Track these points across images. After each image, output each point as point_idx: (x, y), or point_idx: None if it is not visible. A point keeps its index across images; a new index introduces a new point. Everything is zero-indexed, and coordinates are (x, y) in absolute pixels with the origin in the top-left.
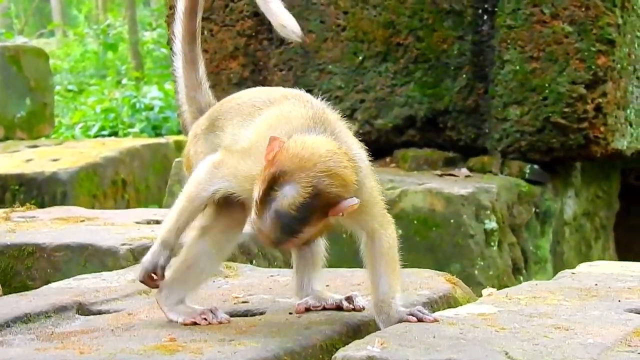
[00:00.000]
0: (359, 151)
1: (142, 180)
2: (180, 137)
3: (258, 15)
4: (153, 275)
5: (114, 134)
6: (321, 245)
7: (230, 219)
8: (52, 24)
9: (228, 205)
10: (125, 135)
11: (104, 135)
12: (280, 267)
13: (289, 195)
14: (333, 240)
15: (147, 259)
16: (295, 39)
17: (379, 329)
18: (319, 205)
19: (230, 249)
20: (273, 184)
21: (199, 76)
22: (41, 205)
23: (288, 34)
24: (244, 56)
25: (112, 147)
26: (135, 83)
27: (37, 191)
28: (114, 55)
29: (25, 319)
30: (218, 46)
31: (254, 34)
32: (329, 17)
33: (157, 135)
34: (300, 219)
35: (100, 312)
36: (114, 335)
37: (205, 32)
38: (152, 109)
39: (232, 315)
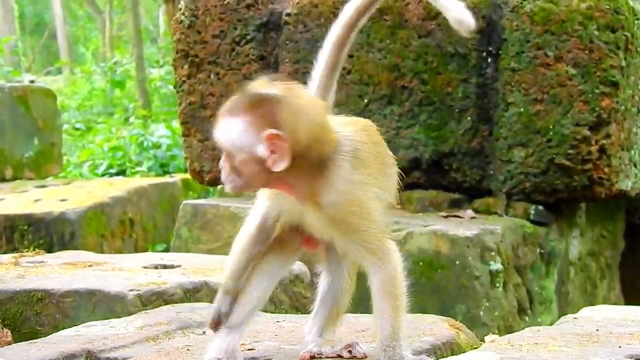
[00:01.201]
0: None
1: (149, 219)
2: (188, 176)
3: (264, 59)
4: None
5: (122, 172)
6: (347, 298)
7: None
8: (59, 61)
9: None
10: (133, 173)
11: (111, 174)
12: (286, 311)
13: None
14: None
15: (212, 306)
16: (467, 34)
17: None
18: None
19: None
20: None
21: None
22: (50, 245)
23: (462, 29)
24: None
25: (119, 186)
26: (142, 121)
27: (46, 231)
28: (121, 92)
29: None
30: (224, 89)
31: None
32: None
33: (165, 173)
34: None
35: None
36: None
37: (212, 76)
38: (159, 147)
39: None
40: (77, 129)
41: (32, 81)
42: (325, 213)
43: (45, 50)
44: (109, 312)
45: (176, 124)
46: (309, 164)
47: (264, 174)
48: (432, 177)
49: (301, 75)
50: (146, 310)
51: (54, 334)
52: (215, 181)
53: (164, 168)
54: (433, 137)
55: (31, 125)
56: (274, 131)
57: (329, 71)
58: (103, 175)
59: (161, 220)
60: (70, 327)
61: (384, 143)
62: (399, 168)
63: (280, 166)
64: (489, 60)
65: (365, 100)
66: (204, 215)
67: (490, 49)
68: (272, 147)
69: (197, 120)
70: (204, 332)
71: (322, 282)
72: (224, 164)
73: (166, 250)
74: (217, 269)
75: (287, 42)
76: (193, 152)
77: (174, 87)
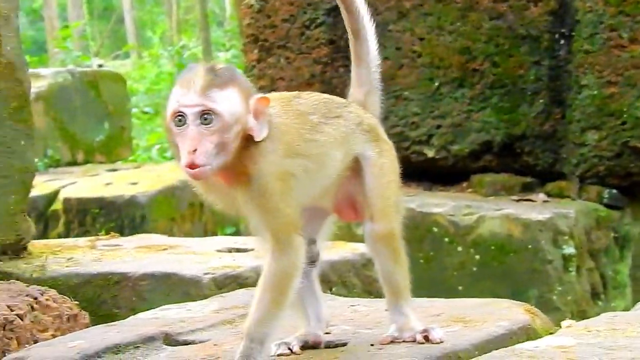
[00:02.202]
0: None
1: None
2: None
3: (334, 43)
4: None
5: None
6: (398, 276)
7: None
8: (127, 45)
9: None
10: None
11: None
12: (358, 295)
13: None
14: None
15: None
16: None
17: None
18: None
19: None
20: None
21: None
22: (120, 228)
23: None
24: (320, 83)
25: None
26: None
27: (117, 214)
28: None
29: (115, 349)
30: (294, 74)
31: (330, 61)
32: (405, 44)
33: None
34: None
35: (186, 343)
36: None
37: (282, 60)
38: None
39: (311, 346)
40: (145, 113)
41: (100, 65)
42: (252, 187)
43: (113, 35)
44: (184, 295)
45: None
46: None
47: (237, 150)
48: (503, 160)
49: None
50: (221, 293)
51: (132, 316)
52: None
53: None
54: (505, 120)
55: (101, 110)
56: (260, 95)
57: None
58: (172, 158)
59: None
60: (146, 310)
61: (307, 108)
62: (471, 151)
63: (264, 133)
64: (562, 42)
65: (436, 84)
66: None
67: (563, 30)
68: (257, 113)
69: None
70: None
71: (375, 264)
72: (205, 141)
73: (235, 233)
74: None
75: None
76: None
77: (244, 72)
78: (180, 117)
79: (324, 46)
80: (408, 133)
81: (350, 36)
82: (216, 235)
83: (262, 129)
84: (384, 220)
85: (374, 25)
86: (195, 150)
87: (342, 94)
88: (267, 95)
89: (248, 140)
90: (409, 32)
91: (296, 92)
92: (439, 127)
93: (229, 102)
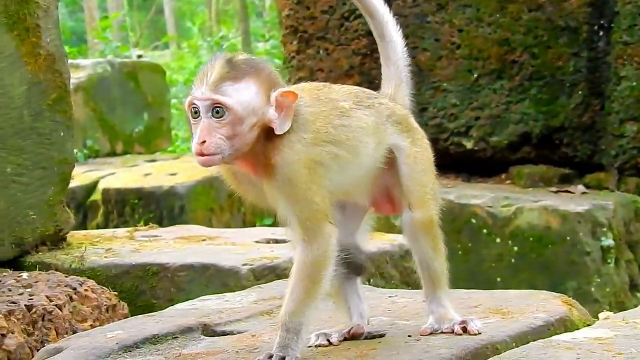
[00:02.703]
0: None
1: None
2: None
3: (373, 34)
4: None
5: None
6: (436, 264)
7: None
8: (166, 36)
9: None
10: None
11: None
12: (397, 286)
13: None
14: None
15: None
16: None
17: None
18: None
19: None
20: None
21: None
22: (159, 218)
23: None
24: (359, 75)
25: None
26: None
27: (156, 205)
28: None
29: (153, 339)
30: (333, 65)
31: (368, 52)
32: (444, 36)
33: None
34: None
35: (224, 333)
36: (238, 357)
37: (321, 51)
38: None
39: (352, 336)
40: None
41: (139, 56)
42: (278, 176)
43: (152, 26)
44: (223, 286)
45: None
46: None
47: (255, 141)
48: (542, 152)
49: (410, 49)
50: (259, 284)
51: (170, 307)
52: None
53: None
54: (543, 111)
55: (141, 101)
56: (284, 89)
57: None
58: None
59: None
60: (185, 300)
61: (338, 96)
62: (509, 142)
63: (286, 126)
64: (601, 33)
65: (475, 75)
66: None
67: (602, 22)
68: (280, 107)
69: None
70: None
71: (413, 254)
72: (215, 133)
73: (274, 224)
74: None
75: (396, 16)
76: None
77: (283, 63)
78: (194, 109)
79: (363, 37)
80: (447, 124)
81: (376, 38)
82: (255, 226)
83: (284, 122)
84: (422, 207)
85: (412, 15)
86: (204, 142)
87: (380, 85)
88: (297, 85)
89: (272, 131)
90: (448, 23)
91: (326, 83)
92: (477, 118)
93: (243, 94)
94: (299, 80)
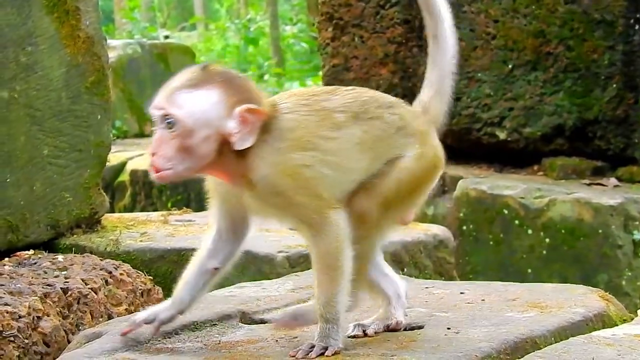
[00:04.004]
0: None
1: None
2: None
3: (408, 23)
4: None
5: None
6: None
7: None
8: (194, 17)
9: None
10: None
11: None
12: (430, 276)
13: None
14: (475, 249)
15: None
16: None
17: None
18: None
19: None
20: None
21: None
22: (187, 201)
23: None
24: (394, 63)
25: None
26: (277, 79)
27: (183, 188)
28: (255, 49)
29: (192, 326)
30: (368, 53)
31: (404, 41)
32: (479, 26)
33: None
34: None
35: (262, 322)
36: (278, 346)
37: (356, 39)
38: None
39: (390, 330)
40: None
41: (166, 37)
42: (259, 190)
43: (180, 6)
44: (257, 273)
45: (310, 81)
46: None
47: (215, 154)
48: (575, 144)
49: None
50: (294, 272)
51: (208, 293)
52: None
53: None
54: (577, 104)
55: None
56: (251, 105)
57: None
58: None
59: None
60: (219, 287)
61: (336, 106)
62: (542, 134)
63: (247, 143)
64: (637, 27)
65: (510, 66)
66: None
67: (637, 15)
68: (243, 122)
69: (340, 83)
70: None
71: None
72: (167, 145)
73: None
74: None
75: None
76: None
77: (318, 50)
78: (153, 118)
79: (399, 26)
80: (480, 115)
81: (428, 38)
82: None
83: (246, 138)
84: (365, 200)
85: (448, 5)
86: (155, 154)
87: (415, 74)
88: (292, 90)
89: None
90: (484, 13)
91: (335, 87)
92: (511, 109)
93: (197, 105)
94: (334, 67)
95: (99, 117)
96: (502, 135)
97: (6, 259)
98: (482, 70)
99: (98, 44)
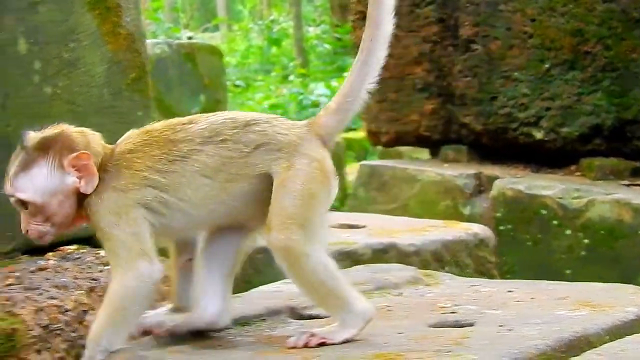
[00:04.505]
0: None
1: None
2: (350, 135)
3: (443, 21)
4: None
5: None
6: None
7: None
8: (217, 18)
9: None
10: None
11: None
12: (471, 275)
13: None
14: (512, 249)
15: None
16: None
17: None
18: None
19: None
20: None
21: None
22: None
23: None
24: (429, 62)
25: None
26: (301, 80)
27: None
28: (278, 50)
29: (242, 321)
30: (403, 52)
31: (439, 40)
32: (516, 24)
33: None
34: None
35: (311, 317)
36: None
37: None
38: (318, 105)
39: (441, 326)
40: (237, 86)
41: (189, 38)
42: (92, 225)
43: (203, 7)
44: None
45: (335, 82)
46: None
47: (75, 205)
48: (613, 144)
49: (481, 38)
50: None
51: (254, 289)
52: (393, 142)
53: None
54: (615, 103)
55: (197, 82)
56: (74, 153)
57: None
58: None
59: None
60: (261, 283)
61: (184, 136)
62: (580, 134)
63: (93, 184)
64: None
65: (547, 65)
66: (381, 176)
67: None
68: (79, 171)
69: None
70: (400, 293)
71: None
72: (31, 222)
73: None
74: (402, 230)
75: (468, 4)
76: (370, 114)
77: (352, 48)
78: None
79: (434, 24)
80: (517, 114)
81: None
82: None
83: (89, 182)
84: (279, 232)
85: (484, 3)
86: (27, 231)
87: (450, 72)
88: (145, 127)
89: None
90: (520, 12)
91: (199, 115)
92: (548, 109)
93: (36, 182)
94: None
95: (140, 113)
96: (538, 135)
97: (50, 253)
98: (518, 70)
99: (139, 40)
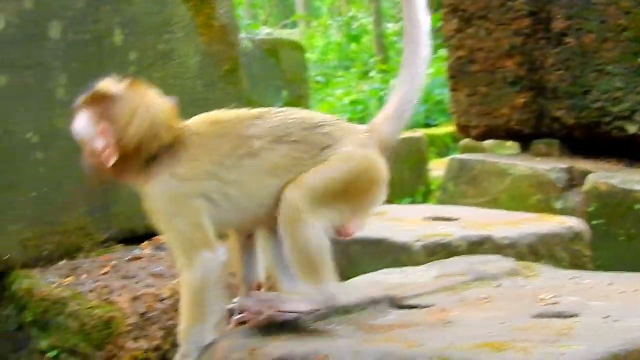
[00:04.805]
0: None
1: (396, 173)
2: (432, 131)
3: (535, 14)
4: None
5: None
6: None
7: None
8: (296, 15)
9: None
10: None
11: None
12: (566, 268)
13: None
14: (605, 244)
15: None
16: None
17: None
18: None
19: None
20: None
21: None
22: None
23: None
24: (520, 55)
25: None
26: (382, 75)
27: None
28: (357, 46)
29: (343, 310)
30: (494, 45)
31: (531, 33)
32: (610, 17)
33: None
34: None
35: (411, 307)
36: (433, 331)
37: (481, 31)
38: None
39: (543, 317)
40: (317, 82)
41: (268, 34)
42: (147, 204)
43: (281, 4)
44: (394, 261)
45: None
46: (144, 157)
47: (104, 165)
48: None
49: (574, 31)
50: (431, 261)
51: (353, 279)
52: (483, 136)
53: None
54: None
55: (280, 78)
56: (105, 126)
57: None
58: None
59: (408, 175)
60: (355, 274)
61: (255, 132)
62: None
63: (111, 160)
64: None
65: None
66: (471, 170)
67: None
68: (105, 141)
69: (465, 75)
70: (500, 285)
71: None
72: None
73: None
74: (496, 223)
75: None
76: (460, 107)
77: (442, 42)
78: None
79: (525, 17)
80: (610, 108)
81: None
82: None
83: (110, 156)
84: (296, 190)
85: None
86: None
87: (542, 66)
88: (212, 112)
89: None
90: (614, 5)
91: (266, 110)
92: None
93: (77, 124)
94: (459, 59)
95: (234, 105)
96: (632, 129)
97: (145, 242)
98: (612, 63)
99: (232, 32)
